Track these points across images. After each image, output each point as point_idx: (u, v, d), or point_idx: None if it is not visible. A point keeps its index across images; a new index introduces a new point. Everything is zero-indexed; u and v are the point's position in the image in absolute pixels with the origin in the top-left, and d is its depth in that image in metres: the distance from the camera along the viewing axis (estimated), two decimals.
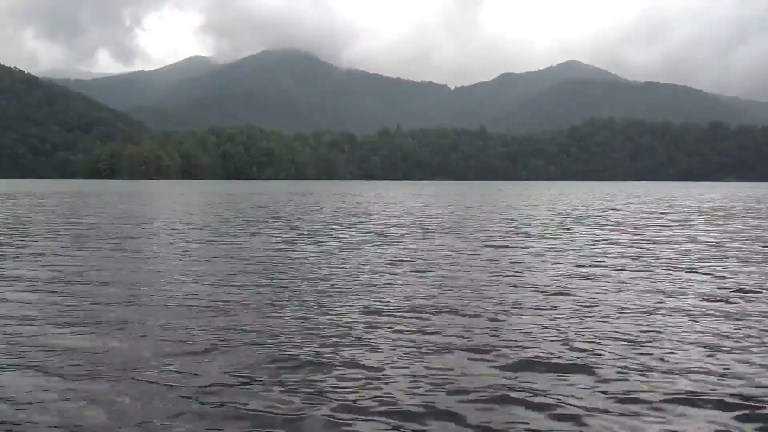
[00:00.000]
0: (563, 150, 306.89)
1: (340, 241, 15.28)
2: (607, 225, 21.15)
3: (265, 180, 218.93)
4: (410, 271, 10.41)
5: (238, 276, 9.86)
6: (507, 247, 14.22)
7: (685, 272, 10.42)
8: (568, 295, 8.36)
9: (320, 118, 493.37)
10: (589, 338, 6.13)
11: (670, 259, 12.14)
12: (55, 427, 4.07)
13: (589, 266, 11.08)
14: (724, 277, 9.87)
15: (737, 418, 4.21)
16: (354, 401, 4.47)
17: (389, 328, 6.51)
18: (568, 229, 19.58)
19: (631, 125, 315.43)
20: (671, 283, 9.29)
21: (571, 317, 7.04)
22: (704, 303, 7.83)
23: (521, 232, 18.08)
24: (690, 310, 7.38)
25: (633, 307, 7.57)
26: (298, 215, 25.97)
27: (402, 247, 14.15)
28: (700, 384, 4.85)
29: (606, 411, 4.30)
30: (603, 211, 30.03)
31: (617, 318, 7.00)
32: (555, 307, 7.54)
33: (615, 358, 5.50)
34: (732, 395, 4.61)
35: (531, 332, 6.36)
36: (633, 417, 4.21)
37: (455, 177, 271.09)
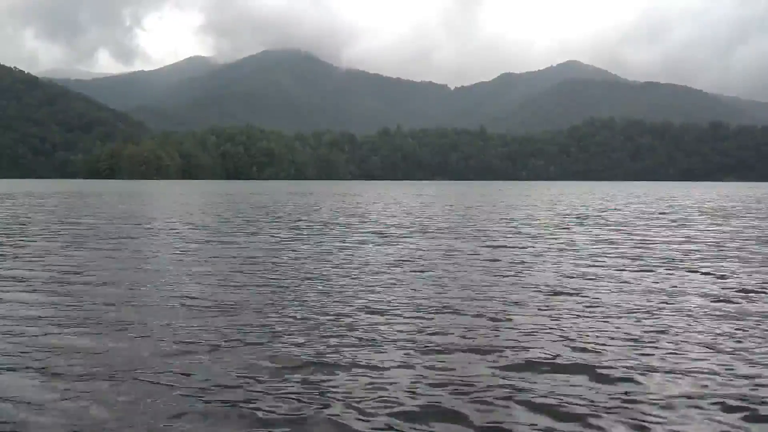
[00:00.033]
0: (563, 150, 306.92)
1: (340, 241, 15.27)
2: (607, 225, 21.13)
3: (265, 180, 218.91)
4: (410, 271, 10.41)
5: (238, 276, 9.85)
6: (507, 247, 14.21)
7: (686, 272, 10.41)
8: (569, 295, 8.36)
9: (320, 118, 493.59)
10: (590, 338, 6.13)
11: (671, 259, 12.13)
12: (56, 427, 4.06)
13: (590, 266, 11.07)
14: (725, 277, 9.86)
15: (740, 419, 4.20)
16: (355, 401, 4.46)
17: (390, 328, 6.51)
18: (568, 228, 19.58)
19: (631, 125, 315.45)
20: (672, 283, 9.28)
21: (571, 317, 7.03)
22: (705, 303, 7.82)
23: (521, 232, 18.08)
24: (691, 310, 7.37)
25: (634, 307, 7.56)
26: (298, 215, 25.96)
27: (402, 247, 14.14)
28: (702, 384, 4.84)
29: (607, 411, 4.29)
30: (603, 211, 30.02)
31: (618, 318, 6.99)
32: (555, 307, 7.54)
33: (616, 358, 5.49)
34: (734, 396, 4.60)
35: (532, 332, 6.35)
36: (634, 417, 4.20)
37: (455, 177, 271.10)
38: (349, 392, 4.64)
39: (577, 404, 4.42)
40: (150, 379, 4.90)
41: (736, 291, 8.62)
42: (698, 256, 12.64)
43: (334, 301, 7.86)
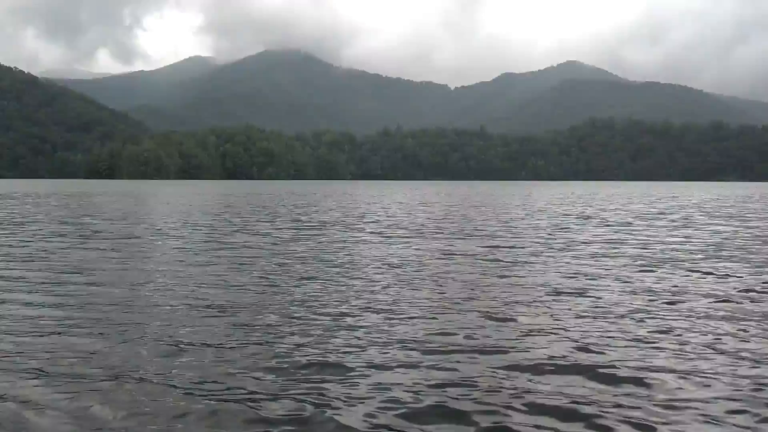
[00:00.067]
0: (563, 150, 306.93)
1: (340, 241, 15.27)
2: (607, 225, 21.12)
3: (265, 180, 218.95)
4: (410, 271, 10.39)
5: (238, 276, 9.84)
6: (507, 247, 14.19)
7: (688, 272, 10.39)
8: (570, 295, 8.34)
9: (320, 118, 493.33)
10: (593, 338, 6.11)
11: (672, 259, 12.12)
12: (56, 427, 4.04)
13: (590, 266, 11.06)
14: (727, 277, 9.85)
15: (743, 419, 4.18)
16: (356, 401, 4.45)
17: (391, 328, 6.49)
18: (568, 228, 19.56)
19: (632, 125, 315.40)
20: (673, 283, 9.26)
21: (573, 317, 7.01)
22: (707, 303, 7.80)
23: (521, 232, 18.06)
24: (693, 310, 7.35)
25: (636, 307, 7.55)
26: (298, 215, 25.95)
27: (402, 247, 14.13)
28: (705, 384, 4.82)
29: (609, 411, 4.28)
30: (603, 211, 30.01)
31: (621, 318, 6.97)
32: (557, 308, 7.52)
33: (619, 358, 5.47)
34: (737, 396, 4.59)
35: (534, 332, 6.33)
36: (637, 417, 4.18)
37: (455, 177, 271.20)
38: (350, 392, 4.62)
39: (580, 404, 4.40)
40: (150, 380, 4.88)
41: (738, 291, 8.60)
42: (700, 256, 12.63)
43: (335, 301, 7.85)
